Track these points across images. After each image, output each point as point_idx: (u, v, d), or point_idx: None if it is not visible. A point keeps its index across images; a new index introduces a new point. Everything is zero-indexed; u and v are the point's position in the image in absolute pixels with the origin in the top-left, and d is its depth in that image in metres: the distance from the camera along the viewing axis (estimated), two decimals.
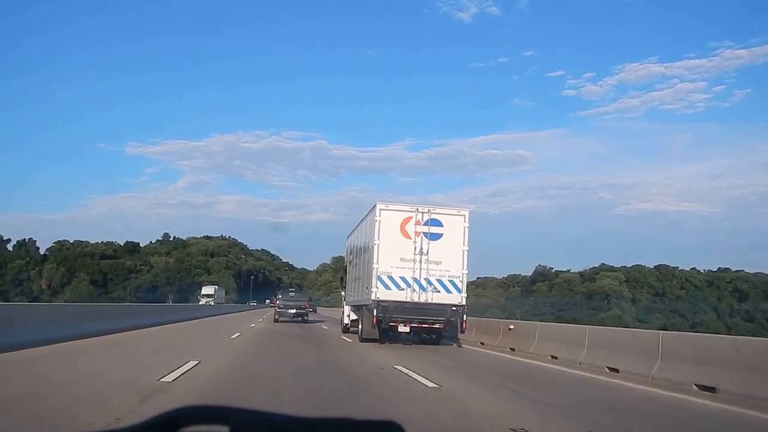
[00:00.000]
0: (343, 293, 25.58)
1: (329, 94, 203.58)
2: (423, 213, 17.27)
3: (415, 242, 17.01)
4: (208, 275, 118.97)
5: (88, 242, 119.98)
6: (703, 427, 7.33)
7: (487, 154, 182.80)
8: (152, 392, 7.19)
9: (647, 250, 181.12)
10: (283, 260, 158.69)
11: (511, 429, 6.03)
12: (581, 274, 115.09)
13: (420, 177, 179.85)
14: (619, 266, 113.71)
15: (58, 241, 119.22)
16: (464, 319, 17.03)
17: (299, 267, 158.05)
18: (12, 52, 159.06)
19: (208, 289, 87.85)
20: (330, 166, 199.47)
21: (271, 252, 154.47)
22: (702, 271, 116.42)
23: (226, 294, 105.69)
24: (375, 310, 16.72)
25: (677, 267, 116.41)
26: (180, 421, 1.28)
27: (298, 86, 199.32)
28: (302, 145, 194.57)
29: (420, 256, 16.93)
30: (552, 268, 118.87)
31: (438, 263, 16.96)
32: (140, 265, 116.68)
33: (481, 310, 77.32)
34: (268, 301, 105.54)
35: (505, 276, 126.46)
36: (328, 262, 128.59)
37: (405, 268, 16.90)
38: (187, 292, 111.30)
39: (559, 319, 78.03)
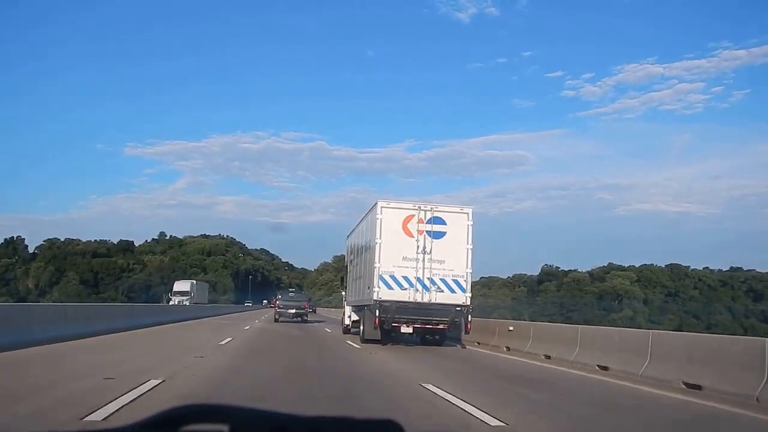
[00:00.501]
0: (343, 293, 25.72)
1: (329, 94, 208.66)
2: (425, 211, 17.41)
3: (417, 241, 17.13)
4: (205, 274, 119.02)
5: (79, 240, 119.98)
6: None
7: (486, 154, 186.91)
8: None
9: (648, 251, 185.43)
10: (283, 260, 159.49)
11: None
12: (590, 273, 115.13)
13: (420, 178, 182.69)
14: (628, 265, 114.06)
15: (49, 239, 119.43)
16: (469, 319, 17.18)
17: (299, 267, 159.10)
18: (12, 53, 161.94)
19: (182, 285, 70.43)
20: (329, 166, 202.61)
21: (270, 251, 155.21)
22: (714, 270, 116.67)
23: (216, 292, 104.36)
24: (377, 311, 16.84)
25: (689, 266, 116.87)
26: (180, 420, 1.30)
27: (297, 87, 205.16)
28: (302, 146, 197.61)
29: (423, 255, 17.05)
30: (558, 268, 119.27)
31: (441, 262, 17.07)
32: (133, 264, 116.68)
33: (489, 311, 77.57)
34: (265, 301, 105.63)
35: (510, 276, 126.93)
36: (330, 261, 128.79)
37: (407, 267, 17.02)
38: None
39: (569, 320, 78.16)
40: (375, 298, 16.92)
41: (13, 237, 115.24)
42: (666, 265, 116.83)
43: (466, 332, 17.96)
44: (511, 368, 13.55)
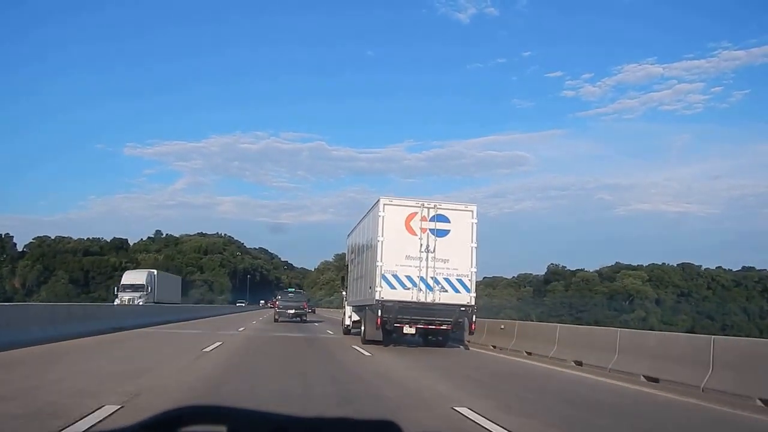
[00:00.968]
0: (344, 293, 25.77)
1: (329, 95, 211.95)
2: (429, 208, 17.46)
3: (420, 239, 17.19)
4: (201, 273, 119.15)
5: (70, 238, 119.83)
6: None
7: (486, 155, 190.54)
8: None
9: (648, 251, 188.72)
10: (282, 259, 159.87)
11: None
12: (599, 273, 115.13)
13: (419, 178, 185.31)
14: (636, 264, 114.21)
15: (38, 237, 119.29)
16: (473, 320, 17.27)
17: (298, 266, 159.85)
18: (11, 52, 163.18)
19: (133, 276, 52.70)
20: (329, 167, 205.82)
21: (269, 250, 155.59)
22: (726, 270, 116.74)
23: (213, 291, 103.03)
24: (379, 311, 16.88)
25: (701, 265, 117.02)
26: (178, 421, 1.33)
27: (297, 87, 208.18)
28: (301, 146, 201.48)
29: (426, 253, 17.11)
30: (565, 267, 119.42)
31: (445, 261, 17.13)
32: (126, 263, 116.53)
33: (496, 311, 77.72)
34: (262, 302, 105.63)
35: (516, 275, 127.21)
36: (331, 260, 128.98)
37: (410, 266, 17.07)
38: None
39: (578, 321, 78.27)
40: (377, 297, 16.95)
41: (0, 235, 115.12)
42: (678, 264, 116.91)
43: (471, 333, 18.12)
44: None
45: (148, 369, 10.62)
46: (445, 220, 17.43)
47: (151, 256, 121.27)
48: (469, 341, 19.78)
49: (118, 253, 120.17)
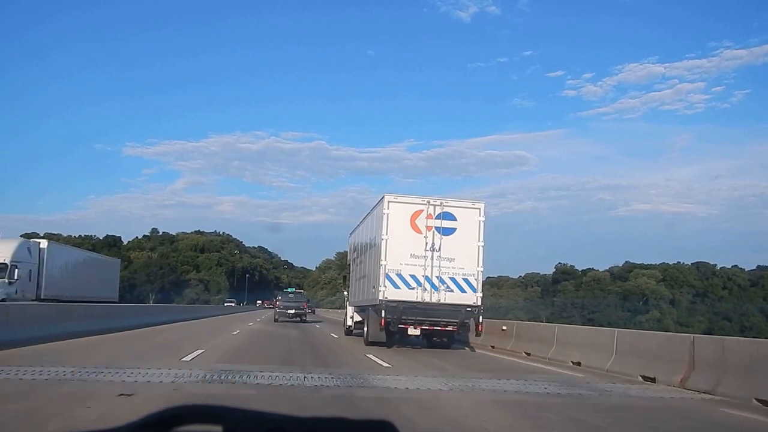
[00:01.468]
0: (346, 293, 25.85)
1: (328, 94, 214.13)
2: (435, 206, 17.49)
3: (426, 237, 17.22)
4: (197, 272, 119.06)
5: (60, 235, 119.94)
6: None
7: (486, 154, 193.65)
8: None
9: (648, 251, 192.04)
10: (282, 259, 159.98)
11: None
12: (610, 272, 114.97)
13: (420, 178, 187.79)
14: (648, 263, 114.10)
15: (25, 233, 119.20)
16: (480, 321, 17.32)
17: (298, 266, 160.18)
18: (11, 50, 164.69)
19: None
20: (329, 166, 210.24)
21: (268, 250, 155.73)
22: (741, 269, 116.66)
23: (209, 291, 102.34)
24: (383, 311, 16.91)
25: (716, 265, 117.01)
26: (174, 420, 1.34)
27: (297, 87, 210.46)
28: (301, 146, 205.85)
29: (432, 252, 17.15)
30: (573, 266, 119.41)
31: (451, 260, 17.17)
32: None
33: (503, 312, 77.80)
34: (260, 302, 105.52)
35: (522, 275, 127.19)
36: (332, 258, 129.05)
37: (415, 265, 17.09)
38: (171, 291, 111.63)
39: (590, 322, 78.32)
40: (381, 297, 16.97)
41: None
42: (692, 264, 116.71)
43: (477, 334, 18.11)
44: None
45: None
46: (452, 218, 17.46)
47: (144, 254, 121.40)
48: (474, 343, 19.90)
49: (110, 251, 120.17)
